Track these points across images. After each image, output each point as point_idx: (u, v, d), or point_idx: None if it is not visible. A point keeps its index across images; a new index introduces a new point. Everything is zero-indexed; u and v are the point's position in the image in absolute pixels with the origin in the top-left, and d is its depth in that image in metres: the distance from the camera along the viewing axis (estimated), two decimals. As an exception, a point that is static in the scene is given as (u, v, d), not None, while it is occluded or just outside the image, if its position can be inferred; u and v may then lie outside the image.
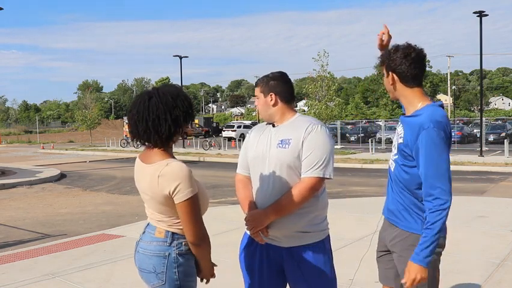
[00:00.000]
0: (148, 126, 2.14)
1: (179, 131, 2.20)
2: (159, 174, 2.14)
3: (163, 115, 2.13)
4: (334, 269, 2.72)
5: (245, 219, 2.65)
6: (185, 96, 2.23)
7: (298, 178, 2.56)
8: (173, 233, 2.22)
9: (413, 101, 2.49)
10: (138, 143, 2.24)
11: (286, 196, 2.53)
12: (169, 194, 2.12)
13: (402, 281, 2.39)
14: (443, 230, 2.35)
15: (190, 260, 2.25)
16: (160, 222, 2.25)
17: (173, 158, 2.22)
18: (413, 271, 2.32)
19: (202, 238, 2.19)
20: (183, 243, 2.22)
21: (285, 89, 2.70)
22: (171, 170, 2.13)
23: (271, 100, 2.69)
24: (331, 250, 2.74)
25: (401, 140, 2.48)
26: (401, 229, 2.53)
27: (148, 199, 2.26)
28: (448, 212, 2.31)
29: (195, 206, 2.14)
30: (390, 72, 2.51)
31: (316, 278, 2.62)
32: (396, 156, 2.53)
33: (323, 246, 2.66)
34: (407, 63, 2.44)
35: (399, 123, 2.59)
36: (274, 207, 2.54)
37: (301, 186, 2.52)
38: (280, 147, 2.60)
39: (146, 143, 2.22)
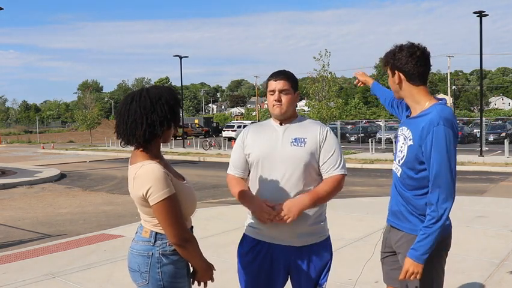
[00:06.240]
0: (126, 128, 2.16)
1: (156, 134, 2.18)
2: (134, 176, 2.17)
3: (139, 119, 2.14)
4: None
5: (264, 210, 2.56)
6: (167, 100, 2.18)
7: (311, 175, 2.66)
8: (157, 233, 2.22)
9: (420, 100, 2.48)
10: (123, 142, 2.25)
11: (322, 188, 2.63)
12: (143, 196, 2.13)
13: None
14: (443, 230, 2.35)
15: (177, 261, 2.23)
16: (146, 222, 2.26)
17: (156, 159, 2.21)
18: (408, 265, 2.38)
19: (183, 239, 2.16)
20: (167, 244, 2.21)
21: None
22: (144, 172, 2.13)
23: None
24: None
25: (410, 142, 2.46)
26: (405, 232, 2.53)
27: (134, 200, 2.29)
28: (448, 211, 2.34)
29: (171, 208, 2.12)
30: (396, 72, 2.50)
31: (323, 274, 2.71)
32: (403, 161, 2.51)
33: (329, 244, 2.78)
34: (413, 61, 2.44)
35: (404, 126, 2.55)
36: (312, 195, 2.59)
37: (332, 183, 2.65)
38: (294, 145, 2.66)
39: (128, 144, 2.24)
